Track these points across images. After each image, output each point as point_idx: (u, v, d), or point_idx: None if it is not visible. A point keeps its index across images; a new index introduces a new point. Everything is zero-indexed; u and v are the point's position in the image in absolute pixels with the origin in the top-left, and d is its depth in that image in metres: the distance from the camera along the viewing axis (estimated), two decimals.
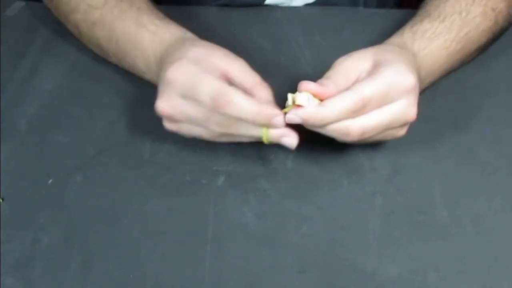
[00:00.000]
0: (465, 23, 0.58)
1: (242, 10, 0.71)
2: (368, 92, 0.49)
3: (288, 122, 0.50)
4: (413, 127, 0.57)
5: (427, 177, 0.54)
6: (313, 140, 0.57)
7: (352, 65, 0.51)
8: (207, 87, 0.49)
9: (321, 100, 0.49)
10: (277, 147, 0.57)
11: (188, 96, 0.49)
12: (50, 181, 0.55)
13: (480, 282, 0.48)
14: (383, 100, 0.49)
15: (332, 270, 0.49)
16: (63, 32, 0.66)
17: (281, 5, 0.72)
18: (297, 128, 0.51)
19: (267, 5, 0.72)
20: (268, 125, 0.50)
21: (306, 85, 0.50)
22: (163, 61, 0.54)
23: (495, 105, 0.60)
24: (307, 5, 0.73)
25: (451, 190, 0.54)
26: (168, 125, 0.53)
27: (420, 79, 0.53)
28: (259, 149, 0.57)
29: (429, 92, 0.59)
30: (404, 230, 0.51)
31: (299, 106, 0.49)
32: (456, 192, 0.54)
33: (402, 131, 0.53)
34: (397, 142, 0.57)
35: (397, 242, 0.50)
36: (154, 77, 0.56)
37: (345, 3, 0.74)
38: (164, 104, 0.51)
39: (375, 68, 0.50)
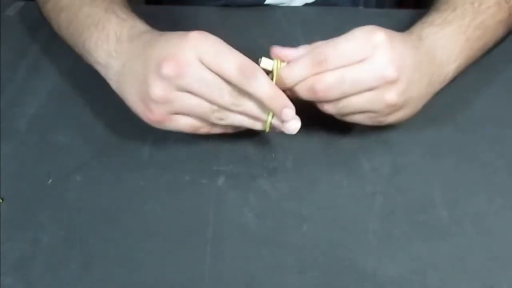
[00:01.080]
0: (479, 11, 0.57)
1: (242, 10, 0.71)
2: (326, 47, 0.49)
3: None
4: (413, 127, 0.58)
5: (427, 177, 0.55)
6: (313, 140, 0.57)
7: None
8: (235, 56, 0.48)
9: None
10: (277, 147, 0.57)
11: (211, 62, 0.48)
12: (50, 181, 0.55)
13: (480, 282, 0.48)
14: (346, 56, 0.49)
15: (332, 270, 0.49)
16: None
17: (281, 5, 0.72)
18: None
19: (267, 5, 0.72)
20: (276, 113, 0.50)
21: (274, 50, 0.51)
22: (137, 42, 0.52)
23: (495, 105, 0.60)
24: (307, 5, 0.73)
25: (451, 190, 0.54)
26: (156, 108, 0.50)
27: (438, 61, 0.53)
28: (259, 149, 0.57)
29: None
30: (404, 230, 0.51)
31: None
32: (456, 192, 0.54)
33: (388, 116, 0.52)
34: (397, 142, 0.57)
35: (397, 242, 0.50)
36: (103, 56, 0.54)
37: (345, 3, 0.74)
38: (180, 65, 0.48)
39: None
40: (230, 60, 0.48)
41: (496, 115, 0.59)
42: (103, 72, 0.56)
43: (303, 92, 0.51)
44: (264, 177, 0.55)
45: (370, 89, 0.50)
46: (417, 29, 0.56)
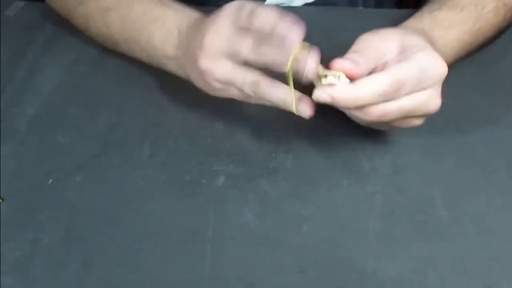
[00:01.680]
0: (480, 17, 0.58)
1: None
2: (404, 75, 0.47)
3: (317, 100, 0.48)
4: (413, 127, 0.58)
5: (427, 177, 0.54)
6: (313, 140, 0.57)
7: (379, 44, 0.50)
8: (248, 77, 0.50)
9: (351, 79, 0.48)
10: (277, 147, 0.57)
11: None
12: (50, 181, 0.55)
13: (480, 282, 0.48)
14: (417, 85, 0.48)
15: (332, 270, 0.49)
16: (63, 32, 0.66)
17: (281, 5, 0.72)
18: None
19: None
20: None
21: (340, 64, 0.48)
22: (194, 31, 0.54)
23: (495, 105, 0.60)
24: (306, 5, 0.73)
25: (451, 190, 0.54)
26: (217, 74, 0.51)
27: None
28: (259, 149, 0.57)
29: None
30: (404, 230, 0.51)
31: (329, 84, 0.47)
32: (456, 192, 0.54)
33: (420, 120, 0.52)
34: (397, 142, 0.57)
35: (397, 242, 0.50)
36: (171, 50, 0.56)
37: (344, 3, 0.74)
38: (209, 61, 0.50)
39: (406, 51, 0.49)
40: (246, 78, 0.51)
41: (496, 115, 0.59)
42: (172, 65, 0.58)
43: (356, 112, 0.49)
44: (264, 177, 0.55)
45: (415, 117, 0.51)
46: (427, 25, 0.55)
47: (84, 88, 0.63)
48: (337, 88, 0.47)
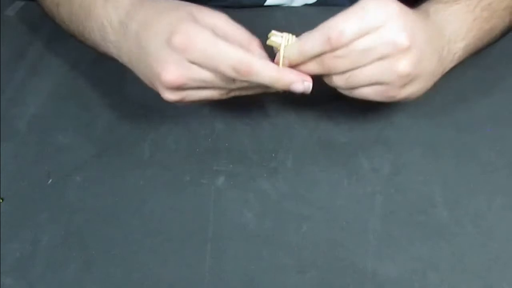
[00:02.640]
0: None
1: (242, 11, 0.71)
2: (339, 22, 0.48)
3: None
4: (413, 127, 0.58)
5: (427, 177, 0.54)
6: (313, 140, 0.57)
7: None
8: (227, 58, 0.48)
9: None
10: (277, 147, 0.57)
11: (206, 65, 0.48)
12: (50, 181, 0.55)
13: (480, 282, 0.48)
14: (359, 29, 0.48)
15: (332, 270, 0.49)
16: (63, 32, 0.66)
17: (281, 5, 0.72)
18: None
19: (267, 6, 0.72)
20: (286, 89, 0.50)
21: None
22: (130, 27, 0.51)
23: (495, 105, 0.60)
24: (307, 5, 0.73)
25: (451, 190, 0.54)
26: (171, 96, 0.50)
27: (447, 38, 0.53)
28: (259, 149, 0.57)
29: (429, 92, 0.59)
30: (404, 230, 0.51)
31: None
32: (456, 192, 0.54)
33: (400, 90, 0.50)
34: (397, 142, 0.57)
35: (397, 242, 0.50)
36: (111, 46, 0.54)
37: (345, 3, 0.74)
38: (177, 73, 0.48)
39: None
40: (223, 61, 0.48)
41: (496, 115, 0.59)
42: (114, 54, 0.56)
43: (311, 65, 0.50)
44: (264, 177, 0.55)
45: (381, 58, 0.48)
46: (423, 5, 0.55)
47: (84, 88, 0.63)
48: (285, 49, 0.50)
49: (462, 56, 0.56)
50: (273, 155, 0.56)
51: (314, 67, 0.50)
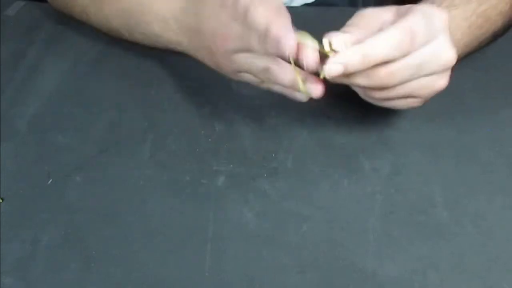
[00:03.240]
0: (483, 0, 0.57)
1: None
2: (413, 22, 0.45)
3: (329, 75, 0.46)
4: (413, 127, 0.58)
5: (427, 177, 0.54)
6: (313, 140, 0.57)
7: (374, 14, 0.48)
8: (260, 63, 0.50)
9: None
10: (277, 147, 0.57)
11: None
12: (50, 181, 0.55)
13: (480, 282, 0.48)
14: (428, 34, 0.46)
15: (332, 270, 0.49)
16: (63, 32, 0.66)
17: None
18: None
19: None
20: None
21: (334, 37, 0.46)
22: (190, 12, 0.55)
23: (495, 105, 0.60)
24: (306, 5, 0.73)
25: (451, 190, 0.54)
26: (229, 64, 0.52)
27: None
28: (259, 149, 0.57)
29: None
30: (404, 230, 0.51)
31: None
32: (456, 192, 0.54)
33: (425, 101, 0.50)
34: (397, 142, 0.57)
35: (397, 242, 0.50)
36: (173, 36, 0.57)
37: (344, 3, 0.74)
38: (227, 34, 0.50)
39: (402, 11, 0.47)
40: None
41: (496, 115, 0.59)
42: (180, 48, 0.59)
43: (358, 78, 0.47)
44: (264, 177, 0.55)
45: (430, 74, 0.48)
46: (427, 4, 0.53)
47: (84, 88, 0.63)
48: (344, 52, 0.45)
49: None
50: (273, 155, 0.56)
51: (361, 80, 0.47)
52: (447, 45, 0.47)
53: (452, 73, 0.60)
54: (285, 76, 0.50)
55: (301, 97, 0.51)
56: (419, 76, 0.48)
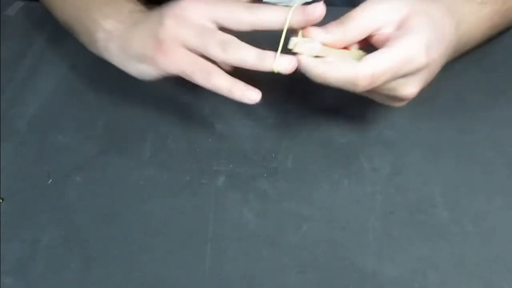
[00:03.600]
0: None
1: None
2: (411, 50, 0.45)
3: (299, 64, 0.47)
4: (413, 127, 0.58)
5: (427, 177, 0.54)
6: (313, 140, 0.57)
7: (382, 13, 0.47)
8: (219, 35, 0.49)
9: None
10: (277, 147, 0.57)
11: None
12: (50, 181, 0.55)
13: (480, 282, 0.48)
14: (394, 75, 0.46)
15: (332, 270, 0.49)
16: (63, 32, 0.66)
17: (279, 5, 0.72)
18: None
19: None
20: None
21: (313, 32, 0.47)
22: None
23: (495, 105, 0.60)
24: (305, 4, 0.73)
25: (451, 190, 0.54)
26: (171, 40, 0.50)
27: (459, 45, 0.51)
28: (259, 149, 0.57)
29: (429, 92, 0.59)
30: (404, 230, 0.51)
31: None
32: (456, 192, 0.53)
33: (403, 102, 0.50)
34: (397, 142, 0.57)
35: (397, 242, 0.50)
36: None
37: (344, 3, 0.74)
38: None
39: (406, 28, 0.46)
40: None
41: (496, 115, 0.59)
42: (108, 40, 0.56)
43: (342, 84, 0.46)
44: (264, 177, 0.55)
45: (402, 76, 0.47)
46: (459, 6, 0.52)
47: (84, 88, 0.63)
48: (309, 61, 0.46)
49: (460, 56, 0.56)
50: (273, 155, 0.56)
51: (346, 86, 0.47)
52: (409, 87, 0.47)
53: (452, 73, 0.60)
54: (249, 50, 0.49)
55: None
56: (375, 93, 0.48)
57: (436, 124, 0.58)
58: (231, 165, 0.56)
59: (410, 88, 0.48)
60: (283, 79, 0.60)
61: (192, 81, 0.51)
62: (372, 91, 0.47)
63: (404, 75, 0.47)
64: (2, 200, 0.54)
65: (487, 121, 0.58)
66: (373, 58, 0.45)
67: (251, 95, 0.49)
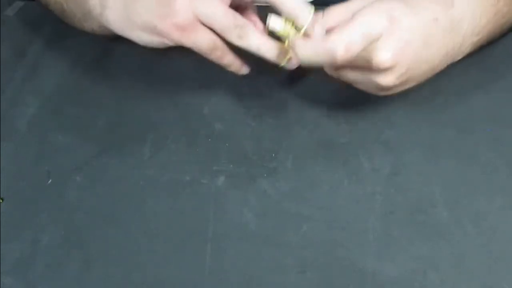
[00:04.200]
0: None
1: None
2: (350, 31, 0.48)
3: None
4: (413, 127, 0.58)
5: (427, 177, 0.54)
6: (313, 140, 0.57)
7: (367, 23, 0.49)
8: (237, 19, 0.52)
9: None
10: (277, 147, 0.57)
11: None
12: (50, 181, 0.55)
13: (480, 282, 0.48)
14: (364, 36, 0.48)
15: (332, 270, 0.49)
16: (63, 32, 0.66)
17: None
18: None
19: (264, 6, 0.71)
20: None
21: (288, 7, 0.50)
22: None
23: (495, 105, 0.60)
24: None
25: (451, 190, 0.54)
26: (186, 9, 0.51)
27: (463, 32, 0.52)
28: (259, 149, 0.57)
29: (429, 92, 0.59)
30: (404, 230, 0.51)
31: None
32: (456, 192, 0.53)
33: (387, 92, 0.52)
34: (397, 142, 0.57)
35: (397, 242, 0.50)
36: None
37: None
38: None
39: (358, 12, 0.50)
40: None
41: (496, 115, 0.59)
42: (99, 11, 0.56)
43: (320, 58, 0.50)
44: (264, 177, 0.55)
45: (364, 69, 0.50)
46: None
47: (84, 88, 0.63)
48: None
49: (471, 50, 0.56)
50: (273, 155, 0.56)
51: (323, 59, 0.50)
52: (381, 52, 0.49)
53: (452, 73, 0.60)
54: (266, 40, 0.52)
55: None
56: (352, 70, 0.52)
57: (436, 124, 0.58)
58: (231, 165, 0.56)
59: (383, 53, 0.49)
60: (283, 78, 0.61)
61: (203, 55, 0.54)
62: (351, 66, 0.50)
63: (374, 41, 0.48)
64: (2, 200, 0.54)
65: (487, 121, 0.58)
66: (344, 28, 0.48)
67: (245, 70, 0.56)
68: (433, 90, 0.60)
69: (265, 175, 0.55)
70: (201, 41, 0.52)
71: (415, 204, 0.53)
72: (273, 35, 0.52)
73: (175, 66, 0.64)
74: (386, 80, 0.50)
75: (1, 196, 0.54)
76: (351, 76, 0.53)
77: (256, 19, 0.56)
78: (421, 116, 0.58)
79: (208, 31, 0.52)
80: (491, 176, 0.54)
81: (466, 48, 0.55)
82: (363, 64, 0.50)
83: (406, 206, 0.53)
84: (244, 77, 0.59)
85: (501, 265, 0.49)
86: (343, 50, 0.48)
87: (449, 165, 0.55)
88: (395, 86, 0.51)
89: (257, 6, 0.57)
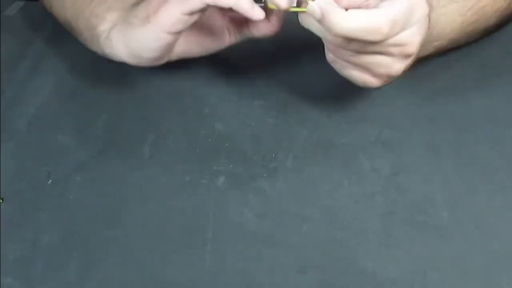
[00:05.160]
0: None
1: None
2: (395, 13, 0.45)
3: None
4: (413, 127, 0.58)
5: (427, 177, 0.54)
6: (313, 140, 0.57)
7: None
8: None
9: None
10: (277, 147, 0.57)
11: None
12: (50, 181, 0.55)
13: (480, 282, 0.48)
14: (404, 26, 0.46)
15: (332, 270, 0.49)
16: (63, 32, 0.66)
17: None
18: None
19: (263, 6, 0.71)
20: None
21: None
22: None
23: (495, 105, 0.60)
24: None
25: (451, 190, 0.54)
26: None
27: (429, 39, 0.51)
28: (259, 149, 0.57)
29: (429, 92, 0.59)
30: (404, 230, 0.51)
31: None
32: (456, 192, 0.53)
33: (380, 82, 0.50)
34: (397, 142, 0.57)
35: (397, 242, 0.50)
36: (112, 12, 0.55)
37: None
38: None
39: None
40: None
41: (496, 115, 0.59)
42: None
43: (364, 33, 0.46)
44: (264, 177, 0.55)
45: (391, 56, 0.48)
46: None
47: (84, 88, 0.63)
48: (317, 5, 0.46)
49: (431, 52, 0.56)
50: (273, 155, 0.56)
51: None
52: (415, 37, 0.47)
53: (452, 73, 0.60)
54: None
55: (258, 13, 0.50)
56: (380, 54, 0.48)
57: (436, 124, 0.58)
58: (231, 165, 0.56)
59: (416, 39, 0.47)
60: (283, 78, 0.61)
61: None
62: (383, 49, 0.47)
63: (410, 26, 0.46)
64: (2, 200, 0.54)
65: (486, 121, 0.58)
66: (390, 7, 0.45)
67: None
68: (433, 90, 0.60)
69: (265, 175, 0.55)
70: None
71: (415, 204, 0.53)
72: None
73: (176, 66, 0.64)
74: (404, 65, 0.49)
75: (1, 196, 0.54)
76: (368, 58, 0.49)
77: None
78: (421, 116, 0.58)
79: None
80: (491, 176, 0.54)
81: (425, 52, 0.54)
82: (389, 47, 0.47)
83: (406, 206, 0.53)
84: (244, 77, 0.59)
85: (501, 265, 0.49)
86: (389, 27, 0.45)
87: (449, 165, 0.55)
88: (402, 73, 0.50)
89: None
